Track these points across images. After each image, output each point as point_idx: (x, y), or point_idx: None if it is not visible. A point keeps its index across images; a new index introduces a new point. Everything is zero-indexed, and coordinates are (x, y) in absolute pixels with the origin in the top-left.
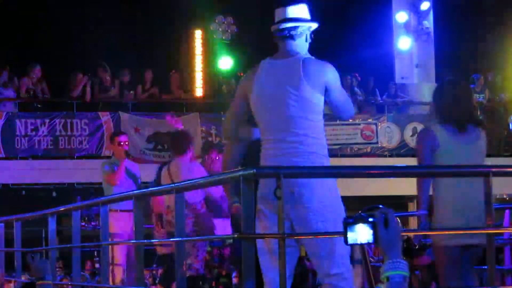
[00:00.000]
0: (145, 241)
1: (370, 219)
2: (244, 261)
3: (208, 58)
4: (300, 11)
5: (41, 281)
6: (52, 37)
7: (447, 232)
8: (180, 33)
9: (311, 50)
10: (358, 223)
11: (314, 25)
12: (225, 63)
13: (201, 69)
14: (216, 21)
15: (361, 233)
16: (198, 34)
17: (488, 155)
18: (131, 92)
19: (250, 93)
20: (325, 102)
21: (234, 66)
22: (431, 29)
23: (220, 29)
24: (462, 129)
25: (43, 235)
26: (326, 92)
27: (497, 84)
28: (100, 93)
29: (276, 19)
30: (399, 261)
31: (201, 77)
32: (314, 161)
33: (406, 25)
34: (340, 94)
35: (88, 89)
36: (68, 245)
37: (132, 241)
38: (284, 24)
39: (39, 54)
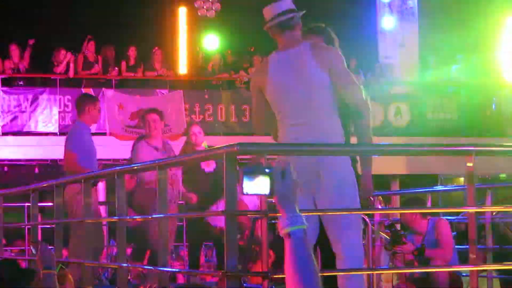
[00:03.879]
0: (128, 217)
1: (267, 170)
2: (227, 238)
3: (192, 35)
4: (288, 3)
5: (46, 270)
6: (35, 13)
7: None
8: (164, 10)
9: None
10: (256, 174)
11: (302, 12)
12: (210, 40)
13: (185, 47)
14: None
15: (258, 184)
16: (182, 11)
17: (471, 135)
18: (116, 68)
19: (264, 86)
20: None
21: (218, 44)
22: (415, 9)
23: (204, 7)
24: None
25: (26, 212)
26: (331, 75)
27: (481, 64)
28: (84, 69)
29: (270, 16)
30: (296, 215)
31: (185, 55)
32: (331, 139)
33: (390, 5)
34: (345, 78)
35: (72, 65)
36: (50, 221)
37: (114, 217)
38: (282, 17)
39: (21, 29)
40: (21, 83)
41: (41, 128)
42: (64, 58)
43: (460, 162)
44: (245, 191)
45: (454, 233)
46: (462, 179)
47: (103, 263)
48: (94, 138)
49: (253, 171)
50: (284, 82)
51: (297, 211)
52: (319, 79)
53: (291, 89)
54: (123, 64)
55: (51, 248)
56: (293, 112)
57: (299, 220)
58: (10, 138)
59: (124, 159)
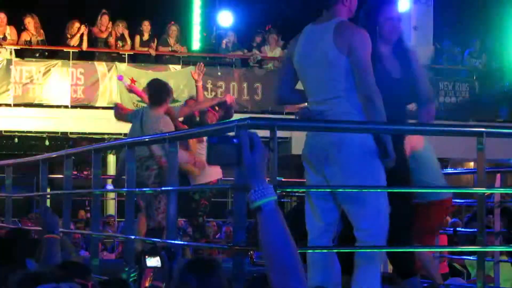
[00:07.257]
0: (137, 189)
1: (235, 140)
2: (235, 212)
3: (207, 11)
4: None
5: (50, 235)
6: None
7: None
8: None
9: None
10: (223, 144)
11: None
12: (224, 17)
13: (199, 23)
14: None
15: (225, 154)
16: None
17: (483, 120)
18: (128, 42)
19: (293, 56)
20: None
21: (232, 21)
22: None
23: None
24: None
25: (35, 184)
26: (350, 58)
27: (494, 48)
28: (97, 42)
29: None
30: (266, 187)
31: (199, 31)
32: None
33: None
34: (358, 68)
35: (85, 38)
36: (60, 191)
37: (123, 189)
38: None
39: (35, 2)
40: (35, 55)
41: (52, 101)
42: (77, 31)
43: (470, 146)
44: (211, 161)
45: (467, 216)
46: (472, 163)
47: (111, 234)
48: (106, 112)
49: (220, 141)
50: (305, 56)
51: (266, 182)
52: (334, 60)
53: (308, 64)
54: (137, 38)
55: (57, 215)
56: (310, 88)
57: (269, 191)
58: (21, 110)
59: None
